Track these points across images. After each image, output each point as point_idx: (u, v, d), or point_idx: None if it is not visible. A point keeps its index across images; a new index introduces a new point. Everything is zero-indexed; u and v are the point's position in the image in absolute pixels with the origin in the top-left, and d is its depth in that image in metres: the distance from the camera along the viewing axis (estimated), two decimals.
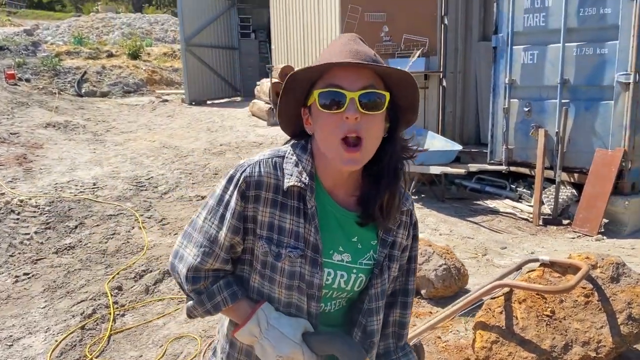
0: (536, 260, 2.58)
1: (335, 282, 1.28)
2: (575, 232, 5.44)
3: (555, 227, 5.64)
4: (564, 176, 5.84)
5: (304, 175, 1.24)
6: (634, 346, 2.31)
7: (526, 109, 6.01)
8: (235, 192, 1.24)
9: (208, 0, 14.20)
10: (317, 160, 1.27)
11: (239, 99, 15.10)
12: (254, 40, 15.84)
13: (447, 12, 7.55)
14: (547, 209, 5.93)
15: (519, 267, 2.68)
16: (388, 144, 1.26)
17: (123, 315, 3.79)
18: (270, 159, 1.27)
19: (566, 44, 5.57)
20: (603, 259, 2.44)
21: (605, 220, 5.37)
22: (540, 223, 5.72)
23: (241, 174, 1.24)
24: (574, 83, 5.63)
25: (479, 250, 4.93)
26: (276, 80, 10.08)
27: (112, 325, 3.62)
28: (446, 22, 7.53)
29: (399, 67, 1.23)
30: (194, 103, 13.48)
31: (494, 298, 2.52)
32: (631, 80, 5.13)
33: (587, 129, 5.60)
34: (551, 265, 2.50)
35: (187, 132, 9.96)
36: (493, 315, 2.44)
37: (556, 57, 5.69)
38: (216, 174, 7.18)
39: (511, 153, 6.35)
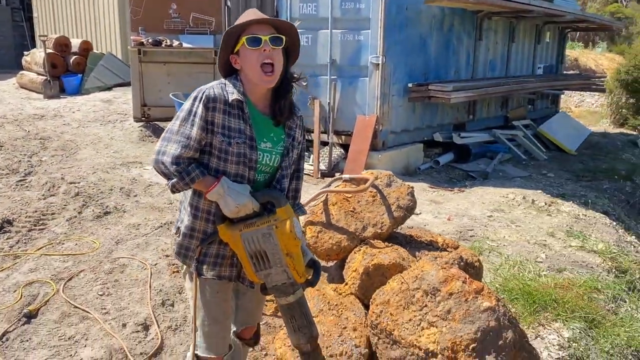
0: (340, 178, 3.67)
1: (264, 160, 2.06)
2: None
3: (330, 178, 7.03)
4: (335, 138, 7.28)
5: (240, 94, 2.01)
6: (401, 225, 3.57)
7: (304, 84, 7.25)
8: (201, 105, 1.95)
9: None
10: (245, 85, 2.04)
11: None
12: (6, 8, 14.28)
13: None
14: (322, 166, 7.31)
15: (329, 184, 3.75)
16: (284, 75, 2.08)
17: None
18: (218, 84, 2.02)
19: (333, 31, 6.94)
20: (381, 172, 3.64)
21: (365, 170, 6.94)
22: (319, 177, 7.06)
23: (203, 93, 1.97)
24: (340, 63, 7.06)
25: None
26: (51, 50, 9.58)
27: None
28: (229, 4, 8.35)
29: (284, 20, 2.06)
30: None
31: (315, 205, 3.53)
32: (380, 62, 6.72)
33: (351, 100, 7.09)
34: (350, 180, 3.62)
35: None
36: (317, 215, 3.45)
37: (326, 41, 7.03)
38: (1, 147, 6.81)
39: None
